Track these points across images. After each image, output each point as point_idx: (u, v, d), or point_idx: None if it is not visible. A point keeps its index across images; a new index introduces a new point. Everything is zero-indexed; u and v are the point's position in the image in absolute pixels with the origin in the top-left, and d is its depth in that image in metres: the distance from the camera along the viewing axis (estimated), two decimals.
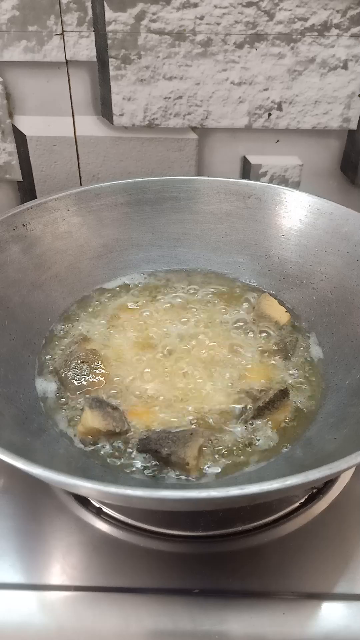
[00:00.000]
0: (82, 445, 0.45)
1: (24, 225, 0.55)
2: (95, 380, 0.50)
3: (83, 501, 0.46)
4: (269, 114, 0.67)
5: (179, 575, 0.42)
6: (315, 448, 0.44)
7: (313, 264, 0.57)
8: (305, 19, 0.61)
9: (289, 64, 0.64)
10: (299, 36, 0.62)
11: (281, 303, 0.57)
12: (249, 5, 0.60)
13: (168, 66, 0.64)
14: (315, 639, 0.39)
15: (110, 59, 0.63)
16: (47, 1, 0.60)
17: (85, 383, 0.49)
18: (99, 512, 0.46)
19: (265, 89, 0.65)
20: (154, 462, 0.44)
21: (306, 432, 0.46)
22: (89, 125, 0.69)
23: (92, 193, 0.60)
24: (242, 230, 0.62)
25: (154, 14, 0.60)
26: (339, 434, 0.44)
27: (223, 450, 0.45)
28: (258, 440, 0.45)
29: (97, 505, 0.46)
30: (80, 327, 0.55)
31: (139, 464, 0.44)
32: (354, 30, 0.61)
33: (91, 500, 0.46)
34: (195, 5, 0.60)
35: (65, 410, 0.48)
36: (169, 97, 0.66)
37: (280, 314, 0.56)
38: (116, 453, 0.45)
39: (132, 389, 0.49)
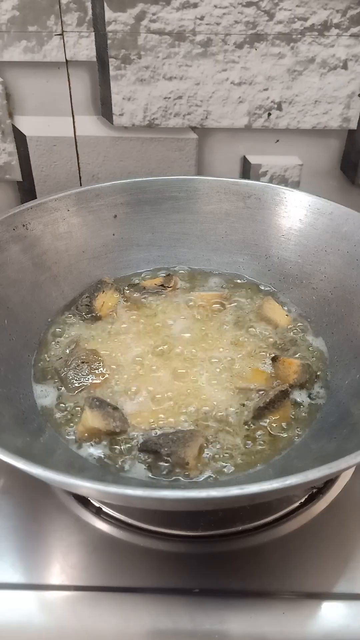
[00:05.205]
0: (82, 445, 0.45)
1: (24, 225, 0.55)
2: (95, 380, 0.50)
3: (83, 501, 0.46)
4: (269, 114, 0.67)
5: (179, 575, 0.42)
6: (315, 448, 0.44)
7: (313, 264, 0.57)
8: (305, 19, 0.61)
9: (289, 63, 0.64)
10: (299, 36, 0.62)
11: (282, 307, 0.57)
12: (249, 5, 0.60)
13: (168, 66, 0.64)
14: (315, 639, 0.39)
15: (110, 59, 0.63)
16: (47, 1, 0.60)
17: (85, 383, 0.49)
18: (98, 512, 0.46)
19: (265, 89, 0.65)
20: (154, 462, 0.44)
21: (306, 431, 0.46)
22: (89, 125, 0.69)
23: (92, 193, 0.60)
24: (242, 230, 0.62)
25: (154, 14, 0.60)
26: (339, 433, 0.44)
27: (223, 451, 0.45)
28: (258, 440, 0.45)
29: (97, 505, 0.46)
30: (80, 327, 0.56)
31: (139, 464, 0.44)
32: (354, 30, 0.61)
33: (91, 500, 0.46)
34: (195, 5, 0.60)
35: (65, 410, 0.48)
36: (169, 97, 0.66)
37: (281, 317, 0.56)
38: (116, 453, 0.45)
39: (132, 388, 0.49)
